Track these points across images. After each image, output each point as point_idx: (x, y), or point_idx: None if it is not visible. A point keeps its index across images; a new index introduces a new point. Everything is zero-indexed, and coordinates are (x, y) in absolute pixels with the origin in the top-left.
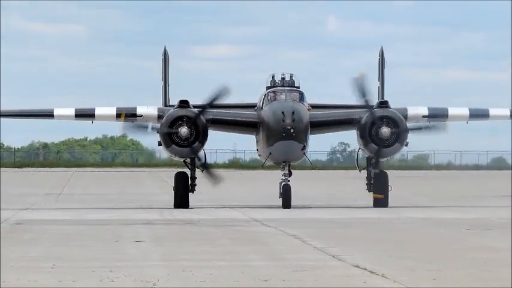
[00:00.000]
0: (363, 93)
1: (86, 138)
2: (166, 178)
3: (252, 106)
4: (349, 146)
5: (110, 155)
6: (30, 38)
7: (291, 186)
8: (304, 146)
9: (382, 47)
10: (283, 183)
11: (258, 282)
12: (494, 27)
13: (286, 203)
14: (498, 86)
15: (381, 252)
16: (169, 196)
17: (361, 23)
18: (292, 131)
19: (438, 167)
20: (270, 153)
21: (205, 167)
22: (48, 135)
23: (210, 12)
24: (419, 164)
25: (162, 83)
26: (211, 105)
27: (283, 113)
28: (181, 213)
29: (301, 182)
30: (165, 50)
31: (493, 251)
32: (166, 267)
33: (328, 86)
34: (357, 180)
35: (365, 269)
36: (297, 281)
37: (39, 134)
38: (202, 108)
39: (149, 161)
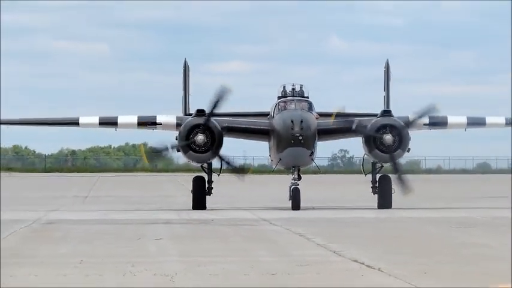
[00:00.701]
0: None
1: (110, 146)
2: (184, 182)
3: (264, 114)
4: (348, 153)
5: (132, 161)
6: (58, 56)
7: (300, 190)
8: (312, 153)
9: (387, 60)
10: (293, 186)
11: (266, 276)
12: (485, 45)
13: (296, 205)
14: (491, 99)
15: (377, 249)
16: (187, 198)
17: (361, 42)
18: (300, 138)
19: (429, 171)
20: (280, 159)
21: (234, 167)
22: (76, 143)
23: (222, 32)
24: (412, 168)
25: (182, 93)
26: (215, 108)
27: (292, 121)
28: (197, 213)
29: (305, 186)
30: (185, 62)
31: (478, 246)
32: (183, 263)
33: (332, 98)
34: (362, 184)
35: (363, 264)
36: (301, 275)
37: (67, 142)
38: (209, 113)
39: (167, 167)
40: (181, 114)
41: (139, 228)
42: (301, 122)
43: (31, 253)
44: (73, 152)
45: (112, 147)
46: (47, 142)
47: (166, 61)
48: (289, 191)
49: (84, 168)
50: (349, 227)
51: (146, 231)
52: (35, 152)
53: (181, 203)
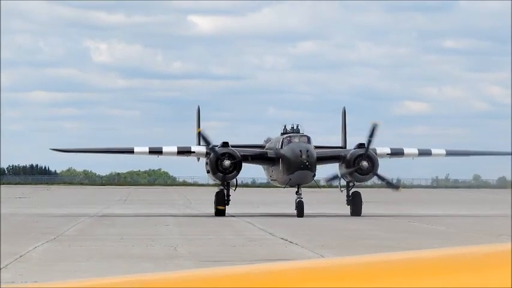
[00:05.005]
0: (371, 134)
1: (139, 170)
2: (182, 192)
3: (257, 146)
4: None
5: (152, 179)
6: (112, 118)
7: (303, 202)
8: (314, 174)
9: (344, 108)
10: (298, 199)
11: (229, 247)
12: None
13: (300, 213)
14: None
15: (296, 232)
16: (184, 201)
17: (287, 110)
18: (307, 163)
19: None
20: (290, 179)
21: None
22: (120, 168)
23: (208, 104)
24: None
25: (196, 130)
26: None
27: (300, 151)
28: (189, 212)
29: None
30: (198, 108)
31: (357, 231)
32: (182, 239)
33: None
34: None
35: (286, 240)
36: (250, 246)
37: (115, 167)
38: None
39: (171, 182)
40: (195, 144)
41: (156, 218)
42: (307, 151)
43: (92, 233)
44: (118, 174)
45: (140, 170)
46: (102, 167)
47: (179, 121)
48: (295, 203)
49: (124, 183)
50: (284, 219)
51: (160, 220)
52: (96, 173)
53: (181, 204)
